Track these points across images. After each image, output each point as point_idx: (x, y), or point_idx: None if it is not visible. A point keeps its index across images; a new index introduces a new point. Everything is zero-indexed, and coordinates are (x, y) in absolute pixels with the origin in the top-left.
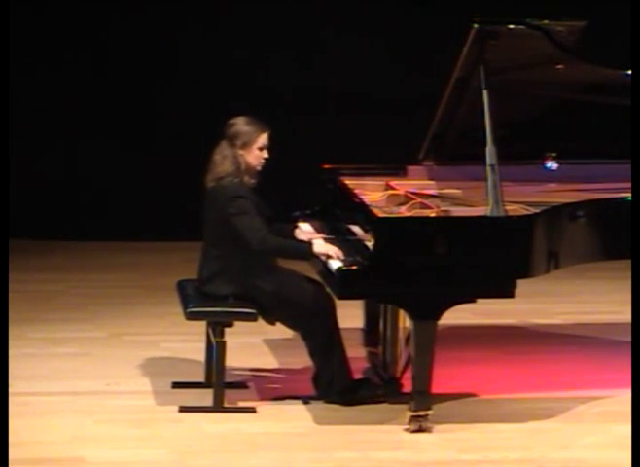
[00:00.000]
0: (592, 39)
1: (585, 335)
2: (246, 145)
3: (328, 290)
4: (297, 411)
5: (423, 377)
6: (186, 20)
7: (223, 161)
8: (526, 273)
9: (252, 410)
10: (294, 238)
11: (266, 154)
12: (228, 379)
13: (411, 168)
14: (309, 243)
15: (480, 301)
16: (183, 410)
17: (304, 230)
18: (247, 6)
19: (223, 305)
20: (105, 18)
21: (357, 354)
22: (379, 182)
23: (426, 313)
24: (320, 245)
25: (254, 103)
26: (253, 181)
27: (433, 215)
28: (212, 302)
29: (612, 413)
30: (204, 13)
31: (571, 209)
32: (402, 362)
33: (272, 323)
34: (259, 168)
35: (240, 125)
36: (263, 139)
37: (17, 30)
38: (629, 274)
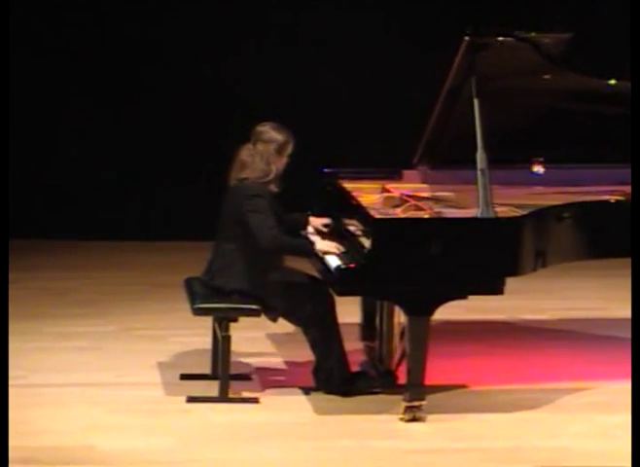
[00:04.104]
0: (592, 42)
1: (571, 330)
2: (280, 152)
3: (328, 287)
4: (298, 401)
5: (417, 370)
6: (185, 22)
7: (253, 165)
8: (515, 272)
9: (255, 400)
10: (305, 229)
11: (288, 160)
12: (233, 371)
13: (407, 172)
14: (313, 243)
15: (471, 297)
16: (190, 400)
17: (315, 225)
18: (245, 8)
19: (228, 302)
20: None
21: (354, 348)
22: (376, 185)
23: (420, 309)
24: (321, 243)
25: (254, 106)
26: (276, 189)
27: (427, 216)
28: (218, 298)
29: (596, 403)
30: (203, 15)
31: (557, 211)
32: (397, 355)
33: (274, 320)
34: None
35: (273, 132)
36: (291, 147)
37: (15, 31)
38: (612, 272)
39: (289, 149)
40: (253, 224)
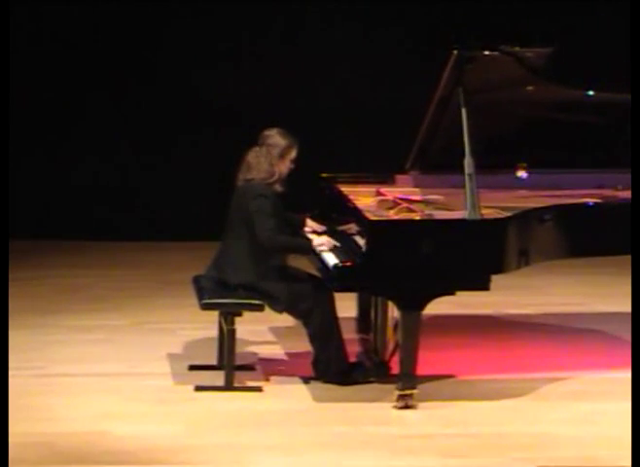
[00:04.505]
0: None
1: (551, 323)
2: (282, 156)
3: (326, 284)
4: (298, 390)
5: (409, 361)
6: (192, 32)
7: (258, 166)
8: (500, 269)
9: (259, 389)
10: (302, 228)
11: (293, 165)
12: (237, 362)
13: (399, 177)
14: (310, 241)
15: (459, 293)
16: (198, 389)
17: (311, 225)
18: (246, 19)
19: (234, 297)
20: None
21: (351, 340)
22: (371, 189)
23: (412, 304)
24: (317, 239)
25: (258, 117)
26: (280, 189)
27: (418, 218)
28: (224, 293)
29: (574, 392)
30: (205, 24)
31: (539, 213)
32: (390, 347)
33: (281, 312)
34: (285, 176)
35: (277, 137)
36: (295, 152)
37: (20, 32)
38: (590, 270)
39: (292, 153)
40: (255, 223)
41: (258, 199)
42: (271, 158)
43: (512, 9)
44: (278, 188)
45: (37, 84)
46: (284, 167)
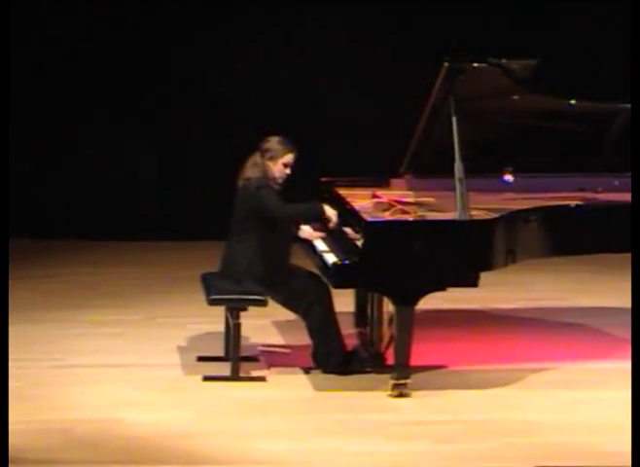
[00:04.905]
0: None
1: (536, 317)
2: (273, 158)
3: (325, 281)
4: (299, 380)
5: (403, 352)
6: (194, 40)
7: (253, 168)
8: (488, 267)
9: (262, 379)
10: (297, 236)
11: (288, 170)
12: (242, 354)
13: (394, 180)
14: (321, 206)
15: (449, 289)
16: (206, 379)
17: (305, 230)
18: (246, 20)
19: (238, 293)
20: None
21: (349, 333)
22: (367, 192)
23: (406, 300)
24: (328, 209)
25: (261, 123)
26: (277, 187)
27: (411, 219)
28: (230, 289)
29: (558, 381)
30: (208, 33)
31: (525, 214)
32: (386, 340)
33: (281, 303)
34: (280, 181)
35: (273, 142)
36: (288, 158)
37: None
38: (573, 268)
39: (285, 158)
40: (266, 208)
41: (259, 192)
42: (263, 161)
43: (507, 18)
44: (276, 187)
45: (39, 83)
46: (276, 170)
